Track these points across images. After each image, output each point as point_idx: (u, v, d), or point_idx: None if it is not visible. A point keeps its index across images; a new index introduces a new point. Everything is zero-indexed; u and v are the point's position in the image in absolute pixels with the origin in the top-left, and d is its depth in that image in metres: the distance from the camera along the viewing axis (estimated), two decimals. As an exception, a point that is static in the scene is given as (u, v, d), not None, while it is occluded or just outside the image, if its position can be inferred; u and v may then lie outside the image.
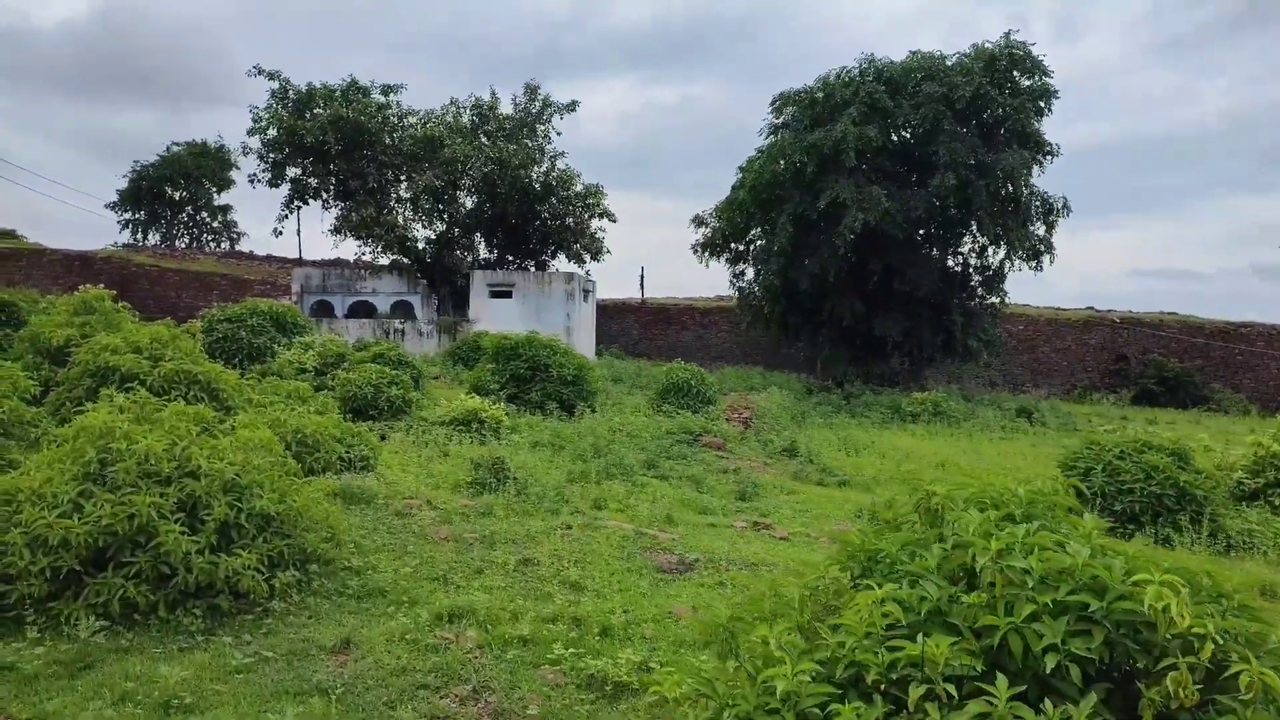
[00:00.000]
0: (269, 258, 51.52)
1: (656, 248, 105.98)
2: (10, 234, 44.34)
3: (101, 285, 34.48)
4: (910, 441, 20.54)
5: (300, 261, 46.13)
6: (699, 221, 35.84)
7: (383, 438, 12.18)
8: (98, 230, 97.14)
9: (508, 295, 34.44)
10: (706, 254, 35.56)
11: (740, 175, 34.11)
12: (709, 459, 13.53)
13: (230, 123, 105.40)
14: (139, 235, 53.98)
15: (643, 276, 50.90)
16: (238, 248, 54.75)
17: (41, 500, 5.37)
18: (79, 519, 5.21)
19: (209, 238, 56.33)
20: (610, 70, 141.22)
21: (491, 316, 34.01)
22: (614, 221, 39.10)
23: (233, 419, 8.03)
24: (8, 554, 5.19)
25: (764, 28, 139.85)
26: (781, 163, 30.89)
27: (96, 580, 5.18)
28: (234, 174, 55.64)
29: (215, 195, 55.84)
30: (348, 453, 9.40)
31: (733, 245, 35.37)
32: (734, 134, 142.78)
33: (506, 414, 14.69)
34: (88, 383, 9.39)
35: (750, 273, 35.16)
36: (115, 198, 53.94)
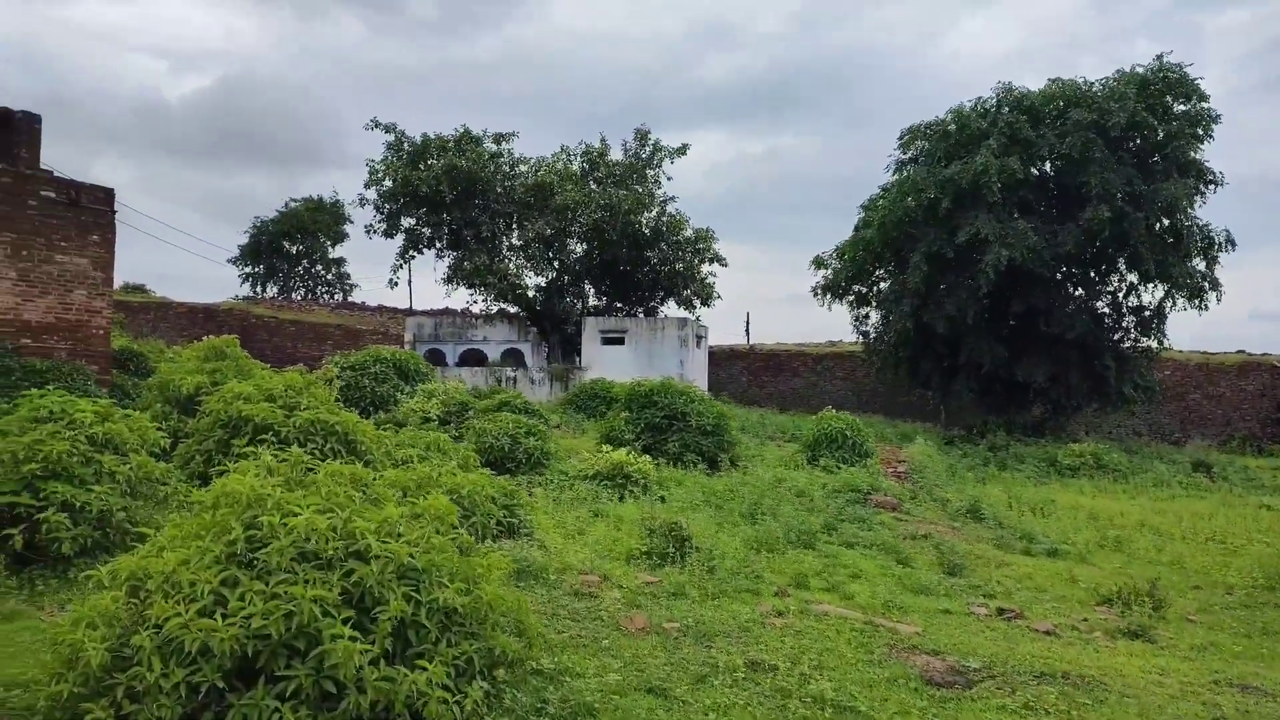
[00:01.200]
0: (380, 308, 52.15)
1: (749, 296, 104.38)
2: (140, 288, 45.83)
3: (225, 334, 35.04)
4: (1088, 500, 18.25)
5: (411, 311, 46.31)
6: (819, 263, 34.19)
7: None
8: (220, 284, 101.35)
9: (620, 342, 33.37)
10: (828, 297, 33.82)
11: (863, 214, 32.44)
12: (888, 522, 11.82)
13: (342, 181, 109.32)
14: (258, 288, 55.46)
15: (748, 322, 49.41)
16: (350, 299, 55.67)
17: (177, 590, 4.19)
18: (223, 617, 4.00)
19: (323, 289, 57.46)
20: (701, 122, 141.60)
21: (604, 363, 32.97)
22: (724, 266, 37.90)
23: (378, 477, 6.83)
24: (134, 662, 4.01)
25: (853, 77, 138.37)
26: (912, 199, 29.13)
27: (244, 700, 3.94)
28: (348, 227, 57.00)
29: (330, 248, 57.03)
30: (506, 516, 8.12)
31: (856, 287, 33.58)
32: (825, 183, 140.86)
33: (653, 467, 13.28)
34: (219, 434, 8.41)
35: (875, 316, 33.28)
36: (236, 252, 55.70)
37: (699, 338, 35.72)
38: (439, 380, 20.12)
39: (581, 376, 33.09)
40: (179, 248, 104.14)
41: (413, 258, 36.26)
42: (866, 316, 33.65)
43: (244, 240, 55.03)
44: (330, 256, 57.44)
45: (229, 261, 56.45)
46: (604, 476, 12.33)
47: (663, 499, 11.70)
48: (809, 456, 16.19)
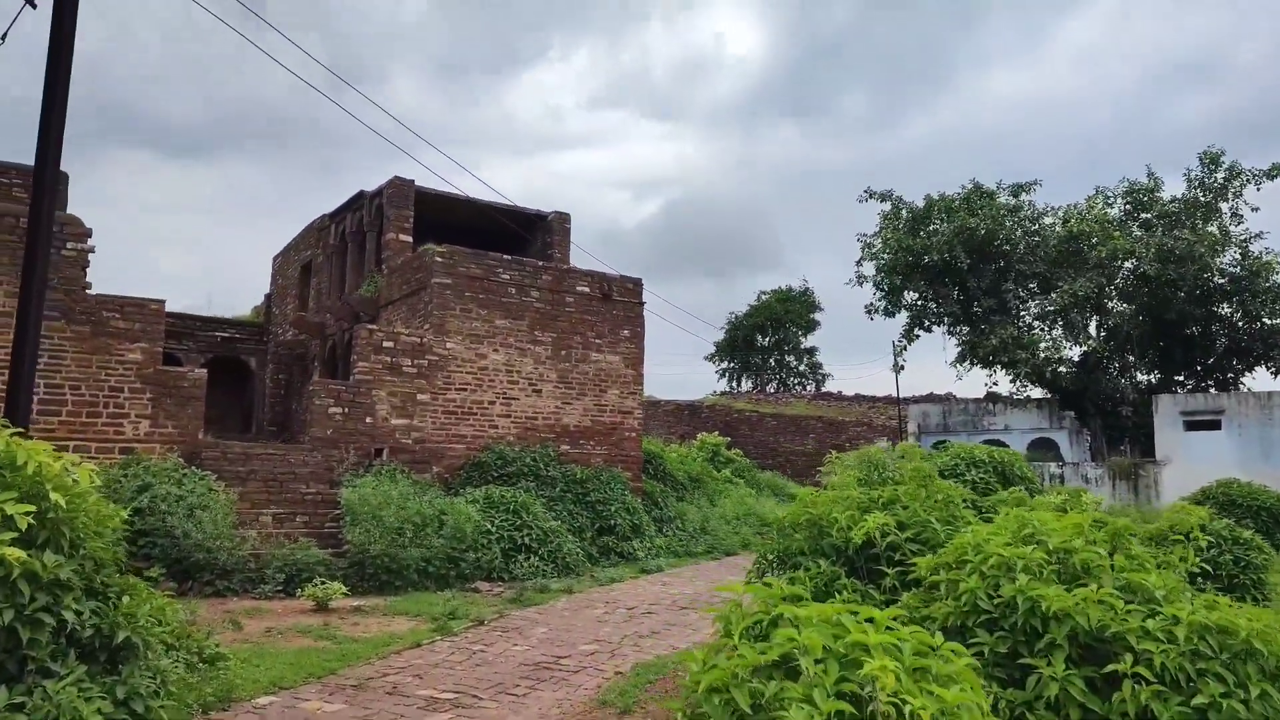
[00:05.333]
0: (857, 397, 48.55)
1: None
2: (633, 388, 46.98)
3: (716, 433, 33.46)
4: None
5: (901, 399, 41.76)
6: None
7: None
8: (700, 384, 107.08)
9: (1213, 426, 25.39)
10: None
11: None
12: None
13: (775, 283, 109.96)
14: (734, 383, 55.24)
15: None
16: (824, 389, 53.04)
17: None
18: None
19: (795, 381, 55.63)
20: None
21: (1189, 454, 25.22)
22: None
23: None
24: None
25: None
26: None
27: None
28: (817, 315, 54.89)
29: (802, 338, 55.23)
30: None
31: None
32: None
33: None
34: (991, 641, 4.37)
35: None
36: (712, 349, 56.29)
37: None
38: (1047, 484, 15.05)
39: (1158, 472, 25.67)
40: (655, 349, 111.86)
41: (918, 336, 31.93)
42: None
43: (719, 337, 55.35)
44: (802, 347, 55.57)
45: (706, 359, 57.23)
46: None
47: None
48: None
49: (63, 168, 8.70)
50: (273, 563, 11.78)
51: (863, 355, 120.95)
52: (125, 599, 4.76)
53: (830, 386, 54.09)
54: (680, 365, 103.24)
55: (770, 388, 54.00)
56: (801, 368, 56.07)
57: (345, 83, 14.96)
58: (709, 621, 5.38)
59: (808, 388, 54.80)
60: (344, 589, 10.83)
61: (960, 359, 31.08)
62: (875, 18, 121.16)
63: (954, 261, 29.19)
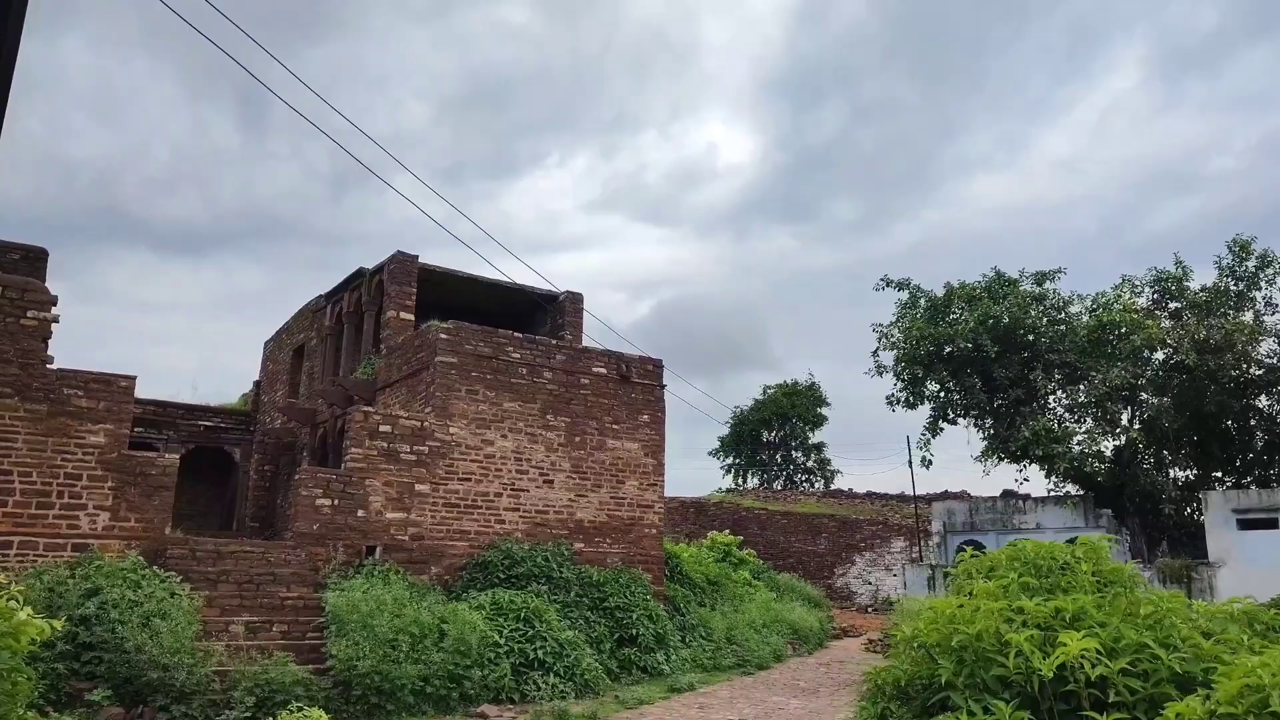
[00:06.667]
0: (869, 494, 46.77)
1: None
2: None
3: (726, 531, 31.52)
4: None
5: (930, 497, 39.99)
6: None
7: None
8: (703, 480, 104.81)
9: (1270, 525, 23.64)
10: None
11: None
12: None
13: (763, 381, 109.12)
14: (739, 479, 53.34)
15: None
16: (833, 486, 51.12)
17: None
18: None
19: (803, 477, 53.74)
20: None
21: (1246, 555, 23.43)
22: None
23: None
24: None
25: None
26: None
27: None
28: (824, 410, 53.40)
29: (809, 434, 53.59)
30: None
31: None
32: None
33: None
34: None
35: None
36: (716, 444, 54.59)
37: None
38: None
39: (1213, 575, 23.80)
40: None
41: (942, 429, 30.32)
42: None
43: (724, 432, 53.74)
44: (810, 442, 53.88)
45: (709, 454, 55.44)
46: None
47: None
48: None
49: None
50: (241, 683, 9.89)
51: (867, 453, 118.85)
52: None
53: (839, 483, 52.17)
54: (681, 461, 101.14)
55: (777, 484, 52.09)
56: (809, 464, 54.27)
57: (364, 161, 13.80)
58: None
59: (816, 484, 52.88)
60: (325, 718, 8.93)
61: (987, 453, 29.40)
62: (862, 129, 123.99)
63: (979, 350, 27.89)
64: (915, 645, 4.92)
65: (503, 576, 13.93)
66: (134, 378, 12.25)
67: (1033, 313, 28.80)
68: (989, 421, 29.94)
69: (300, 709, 8.94)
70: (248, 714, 9.62)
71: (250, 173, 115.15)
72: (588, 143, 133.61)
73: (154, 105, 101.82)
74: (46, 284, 13.21)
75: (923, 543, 37.41)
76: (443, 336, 15.27)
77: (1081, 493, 29.29)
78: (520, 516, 15.31)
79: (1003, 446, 28.71)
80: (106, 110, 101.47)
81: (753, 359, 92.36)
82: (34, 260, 17.11)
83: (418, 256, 18.39)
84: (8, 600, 4.33)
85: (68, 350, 25.91)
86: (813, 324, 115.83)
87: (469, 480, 14.89)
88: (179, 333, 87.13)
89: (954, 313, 29.84)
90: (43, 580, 10.06)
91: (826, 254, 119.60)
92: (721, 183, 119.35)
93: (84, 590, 10.02)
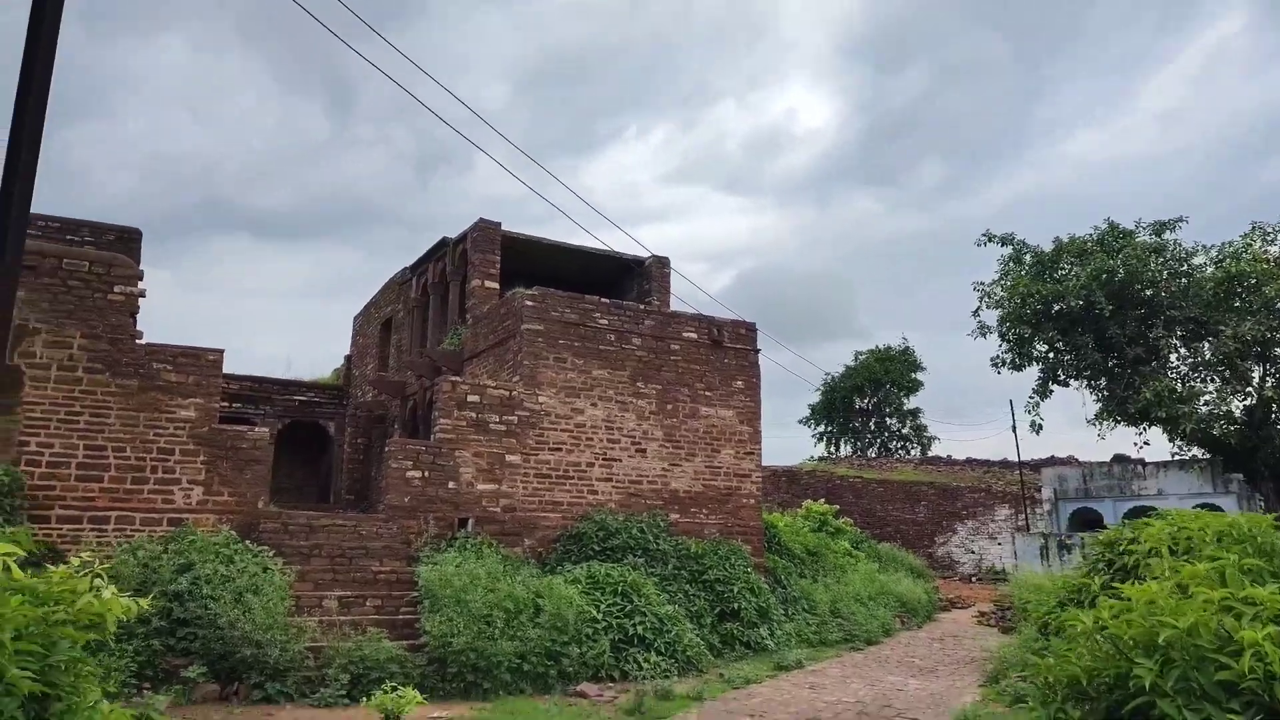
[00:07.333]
0: (969, 461, 44.92)
1: None
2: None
3: (821, 500, 30.51)
4: None
5: (1037, 462, 38.24)
6: None
7: None
8: (793, 449, 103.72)
9: None
10: None
11: None
12: None
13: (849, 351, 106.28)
14: (832, 447, 52.06)
15: None
16: (930, 453, 49.39)
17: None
18: None
19: (898, 444, 52.09)
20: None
21: (1401, 525, 21.29)
22: None
23: None
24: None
25: None
26: None
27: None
28: (919, 375, 51.57)
29: (904, 400, 51.82)
30: None
31: None
32: None
33: None
34: None
35: None
36: (806, 413, 53.36)
37: None
38: None
39: (1364, 544, 21.75)
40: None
41: (1052, 391, 28.63)
42: None
43: (814, 400, 52.47)
44: (905, 408, 52.11)
45: (800, 422, 54.21)
46: None
47: None
48: None
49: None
50: (335, 660, 9.61)
51: (959, 420, 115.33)
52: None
53: (936, 450, 50.38)
54: (771, 430, 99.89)
55: (871, 452, 50.63)
56: (905, 430, 52.56)
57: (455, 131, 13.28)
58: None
59: (912, 451, 51.22)
60: (420, 697, 8.53)
61: (1101, 415, 27.62)
62: (949, 89, 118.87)
63: (1092, 307, 26.09)
64: (1101, 638, 4.08)
65: (598, 549, 13.42)
66: (221, 351, 12.08)
67: (1152, 265, 26.79)
68: (1103, 382, 28.08)
69: (394, 687, 8.58)
70: (342, 692, 9.32)
71: (339, 160, 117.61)
72: (666, 115, 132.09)
73: (248, 99, 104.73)
74: (140, 264, 13.17)
75: (1029, 511, 35.68)
76: (528, 303, 14.76)
77: (1208, 456, 27.33)
78: (613, 487, 14.77)
79: (1120, 409, 26.90)
80: (204, 106, 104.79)
81: (838, 328, 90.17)
82: (128, 240, 17.24)
83: (500, 224, 17.93)
84: (93, 579, 3.99)
85: (172, 338, 26.43)
86: (900, 290, 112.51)
87: (560, 450, 14.40)
88: (278, 318, 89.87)
89: (1063, 268, 28.03)
90: (137, 556, 9.94)
91: (912, 218, 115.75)
92: (802, 149, 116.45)
93: (177, 565, 9.87)
